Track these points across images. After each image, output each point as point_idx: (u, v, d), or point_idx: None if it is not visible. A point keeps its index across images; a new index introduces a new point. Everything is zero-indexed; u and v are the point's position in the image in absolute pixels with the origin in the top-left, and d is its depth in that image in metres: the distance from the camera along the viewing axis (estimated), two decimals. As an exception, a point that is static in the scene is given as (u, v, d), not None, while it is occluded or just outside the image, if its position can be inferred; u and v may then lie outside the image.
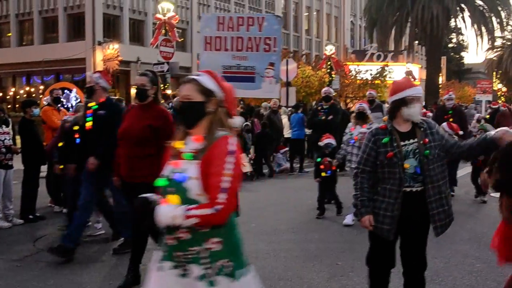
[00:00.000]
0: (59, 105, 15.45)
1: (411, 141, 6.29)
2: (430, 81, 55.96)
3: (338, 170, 14.03)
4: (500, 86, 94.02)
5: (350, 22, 68.20)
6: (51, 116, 14.48)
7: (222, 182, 4.06)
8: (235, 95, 4.61)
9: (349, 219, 12.45)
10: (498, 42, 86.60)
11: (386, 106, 28.53)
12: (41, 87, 41.19)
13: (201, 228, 4.11)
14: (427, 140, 6.25)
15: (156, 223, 4.05)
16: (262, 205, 15.53)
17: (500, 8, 56.11)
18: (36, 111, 13.14)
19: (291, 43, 55.68)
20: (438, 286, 8.63)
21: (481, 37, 57.12)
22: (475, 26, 56.35)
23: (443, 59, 74.41)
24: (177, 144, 4.39)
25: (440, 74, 64.36)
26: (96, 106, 9.60)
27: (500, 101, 46.59)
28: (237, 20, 7.10)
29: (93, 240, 11.23)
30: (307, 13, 59.21)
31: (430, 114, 19.05)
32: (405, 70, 57.41)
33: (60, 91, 16.27)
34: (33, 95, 42.75)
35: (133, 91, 40.05)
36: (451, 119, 16.15)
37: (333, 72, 40.59)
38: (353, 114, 13.41)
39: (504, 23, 57.80)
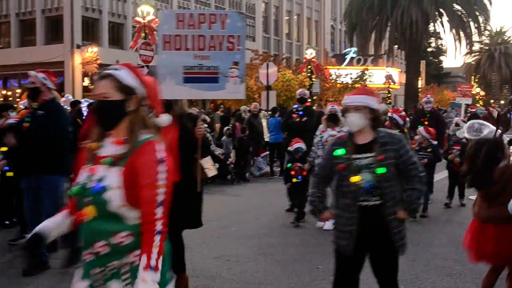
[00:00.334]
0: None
1: (368, 154, 5.99)
2: (409, 85, 56.19)
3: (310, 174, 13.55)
4: (478, 90, 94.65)
5: (330, 26, 68.30)
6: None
7: (157, 195, 3.70)
8: (159, 91, 4.15)
9: (328, 224, 12.19)
10: (476, 46, 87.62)
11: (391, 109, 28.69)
12: (18, 90, 40.71)
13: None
14: (383, 156, 5.93)
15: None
16: (243, 209, 15.47)
17: (477, 13, 56.48)
18: (13, 115, 12.93)
19: (272, 46, 55.67)
20: (417, 289, 8.62)
21: (459, 41, 57.50)
22: (454, 30, 56.67)
23: (422, 63, 74.75)
24: (94, 146, 3.92)
25: (420, 78, 64.57)
26: (36, 107, 9.27)
27: (478, 105, 46.80)
28: (198, 17, 6.84)
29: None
30: (287, 17, 59.23)
31: (408, 118, 18.87)
32: (385, 74, 57.57)
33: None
34: (10, 98, 42.29)
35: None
36: (426, 122, 16.09)
37: (313, 76, 40.54)
38: (324, 117, 13.22)
39: (482, 28, 58.18)
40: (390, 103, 55.77)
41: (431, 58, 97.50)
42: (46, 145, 8.92)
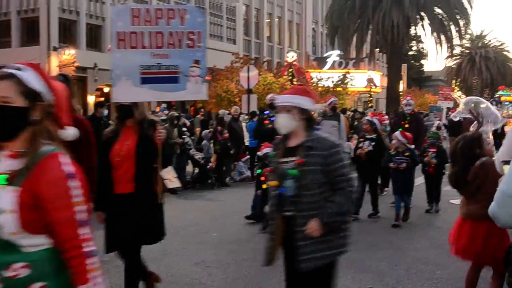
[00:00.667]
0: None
1: (293, 158, 5.59)
2: (391, 88, 56.12)
3: None
4: (459, 93, 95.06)
5: (312, 29, 68.14)
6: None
7: (75, 214, 3.13)
8: (65, 99, 3.48)
9: None
10: (457, 50, 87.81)
11: (348, 113, 28.50)
12: (-7, 93, 40.15)
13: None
14: (302, 160, 5.49)
15: None
16: (223, 214, 15.22)
17: (458, 17, 56.54)
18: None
19: (253, 49, 55.37)
20: (399, 293, 8.74)
21: (440, 45, 57.54)
22: (435, 34, 56.70)
23: (404, 67, 74.84)
24: None
25: (401, 82, 64.60)
26: None
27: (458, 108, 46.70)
28: (155, 12, 6.43)
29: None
30: (268, 20, 58.97)
31: (387, 121, 18.60)
32: (366, 77, 57.60)
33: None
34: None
35: (90, 98, 39.52)
36: (407, 125, 15.90)
37: (294, 79, 40.42)
38: None
39: (463, 31, 58.16)
40: (371, 106, 55.76)
41: (412, 61, 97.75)
42: None
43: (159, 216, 7.50)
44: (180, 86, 7.51)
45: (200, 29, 7.64)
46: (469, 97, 10.55)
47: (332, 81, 45.90)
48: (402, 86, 69.04)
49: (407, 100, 17.47)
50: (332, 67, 58.83)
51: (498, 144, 13.65)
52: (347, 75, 47.82)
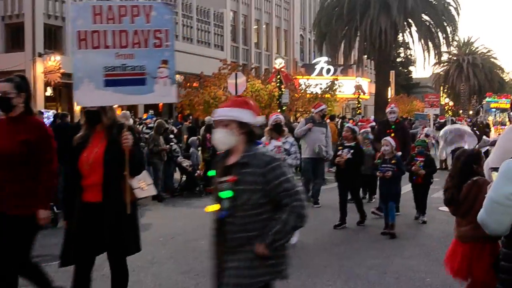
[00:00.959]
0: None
1: (228, 177, 5.19)
2: (379, 95, 56.12)
3: None
4: (447, 100, 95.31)
5: (300, 35, 68.04)
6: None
7: None
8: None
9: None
10: (445, 57, 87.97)
11: (337, 120, 28.36)
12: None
13: None
14: (235, 178, 5.09)
15: None
16: (211, 222, 15.05)
17: (446, 24, 56.68)
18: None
19: (240, 56, 55.19)
20: (388, 301, 8.79)
21: (428, 51, 57.63)
22: (422, 41, 56.77)
23: (392, 73, 74.98)
24: None
25: (389, 88, 64.61)
26: None
27: (447, 115, 46.81)
28: (119, 9, 6.03)
29: None
30: (256, 26, 58.79)
31: (368, 129, 18.36)
32: (354, 84, 57.59)
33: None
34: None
35: (77, 107, 39.13)
36: (392, 134, 15.64)
37: (282, 86, 40.08)
38: (268, 127, 12.33)
39: (450, 38, 58.25)
40: (360, 113, 55.70)
41: (400, 68, 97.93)
42: None
43: (129, 228, 7.00)
44: (147, 88, 7.07)
45: (168, 26, 7.21)
46: (444, 130, 10.26)
47: (320, 88, 45.73)
48: (390, 92, 69.12)
49: (391, 108, 16.90)
50: (320, 73, 58.79)
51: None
52: (335, 82, 47.68)
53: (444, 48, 60.94)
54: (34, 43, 39.21)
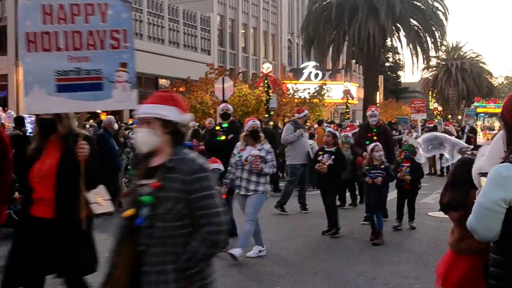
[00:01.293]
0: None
1: (150, 181, 4.61)
2: (367, 100, 55.94)
3: (232, 196, 12.09)
4: (436, 105, 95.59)
5: (288, 40, 67.90)
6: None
7: None
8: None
9: (237, 250, 11.09)
10: (433, 61, 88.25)
11: (325, 125, 28.13)
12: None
13: None
14: (158, 184, 4.52)
15: None
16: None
17: (434, 28, 56.79)
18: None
19: (228, 60, 54.92)
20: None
21: (417, 56, 57.74)
22: (411, 45, 56.80)
23: (380, 78, 75.06)
24: None
25: (378, 93, 64.63)
26: None
27: (436, 120, 46.74)
28: (71, 8, 5.58)
29: None
30: (243, 30, 58.56)
31: (349, 133, 18.10)
32: (343, 89, 57.55)
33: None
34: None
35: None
36: (375, 138, 15.30)
37: (270, 91, 39.94)
38: (244, 133, 11.70)
39: (438, 43, 58.37)
40: (348, 118, 55.63)
41: (389, 73, 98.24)
42: None
43: (84, 246, 6.48)
44: (104, 94, 6.50)
45: (126, 26, 6.66)
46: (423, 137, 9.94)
47: (309, 93, 45.69)
48: (379, 97, 69.13)
49: (372, 111, 16.32)
50: (308, 78, 58.73)
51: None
52: (324, 87, 47.64)
53: (432, 52, 61.20)
54: (17, 47, 38.65)
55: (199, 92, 37.22)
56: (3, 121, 20.11)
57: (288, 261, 11.42)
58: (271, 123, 29.72)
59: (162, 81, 44.54)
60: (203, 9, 50.01)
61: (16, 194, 11.69)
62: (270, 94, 39.63)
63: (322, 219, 14.46)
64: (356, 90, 65.92)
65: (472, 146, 15.00)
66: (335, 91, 53.78)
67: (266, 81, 39.87)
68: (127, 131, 25.20)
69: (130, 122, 30.29)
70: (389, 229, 14.13)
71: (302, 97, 45.05)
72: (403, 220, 14.81)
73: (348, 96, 57.71)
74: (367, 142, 14.46)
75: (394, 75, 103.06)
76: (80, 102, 6.52)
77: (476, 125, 44.57)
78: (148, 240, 4.51)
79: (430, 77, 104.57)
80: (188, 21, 48.01)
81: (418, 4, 56.07)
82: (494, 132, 41.05)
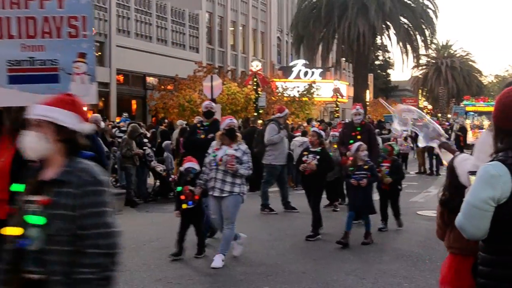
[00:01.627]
0: None
1: (39, 197, 3.99)
2: (357, 98, 55.74)
3: (206, 197, 11.67)
4: (426, 103, 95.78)
5: (277, 37, 67.73)
6: None
7: None
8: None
9: (218, 260, 10.87)
10: (423, 60, 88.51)
11: (314, 123, 28.02)
12: None
13: None
14: (48, 200, 3.93)
15: None
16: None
17: (424, 27, 56.80)
18: None
19: (216, 58, 54.64)
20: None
21: (407, 54, 57.73)
22: (400, 43, 56.79)
23: (370, 76, 75.13)
24: None
25: (368, 91, 64.64)
26: None
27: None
28: None
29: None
30: (232, 28, 58.29)
31: (336, 133, 17.89)
32: (332, 87, 57.45)
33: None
34: None
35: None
36: (359, 137, 15.12)
37: (259, 89, 39.83)
38: (220, 132, 11.25)
39: (428, 41, 58.40)
40: (338, 116, 55.55)
41: (379, 71, 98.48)
42: None
43: None
44: (60, 86, 6.02)
45: (85, 13, 6.20)
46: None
47: (298, 91, 45.57)
48: (368, 96, 69.12)
49: (357, 109, 16.12)
50: (298, 76, 58.66)
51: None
52: (313, 85, 47.53)
53: (422, 51, 61.26)
54: None
55: (187, 90, 37.07)
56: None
57: (277, 261, 11.35)
58: (260, 121, 29.50)
59: (150, 79, 44.29)
60: (191, 6, 49.78)
61: None
62: (259, 92, 39.51)
63: (310, 219, 14.24)
64: (346, 88, 65.83)
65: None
66: (324, 90, 53.62)
67: (255, 79, 39.74)
68: (114, 130, 25.06)
69: (118, 120, 30.12)
70: (377, 229, 14.10)
71: (292, 95, 44.97)
72: (391, 220, 14.69)
73: (338, 94, 57.56)
74: (351, 141, 14.31)
75: (384, 74, 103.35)
76: (34, 95, 5.93)
77: (466, 123, 44.47)
78: (48, 267, 3.90)
79: (420, 76, 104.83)
80: (176, 19, 47.74)
81: (408, 2, 56.03)
82: (483, 131, 41.02)
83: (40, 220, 3.88)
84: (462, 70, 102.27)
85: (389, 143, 15.40)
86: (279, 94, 44.75)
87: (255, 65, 40.93)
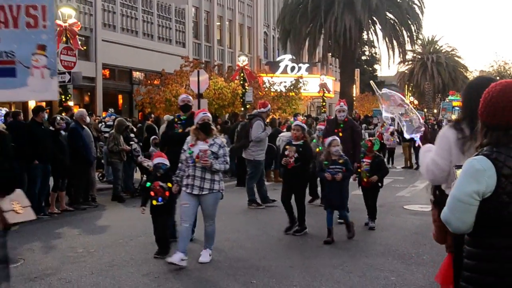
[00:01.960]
0: None
1: None
2: (344, 93, 55.97)
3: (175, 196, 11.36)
4: (412, 98, 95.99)
5: (264, 32, 67.65)
6: None
7: None
8: None
9: (205, 255, 10.86)
10: (409, 55, 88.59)
11: (296, 118, 28.06)
12: None
13: None
14: None
15: None
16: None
17: (410, 22, 56.97)
18: None
19: (203, 53, 54.47)
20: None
21: (393, 50, 57.90)
22: (387, 39, 56.85)
23: (357, 72, 75.18)
24: None
25: (354, 87, 64.69)
26: None
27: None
28: None
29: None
30: (219, 23, 58.09)
31: (322, 127, 17.76)
32: (319, 82, 57.45)
33: None
34: None
35: (31, 103, 38.19)
36: (340, 134, 15.03)
37: (246, 84, 39.89)
38: (194, 126, 10.79)
39: (414, 36, 58.50)
40: (324, 111, 55.59)
41: (365, 66, 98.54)
42: None
43: None
44: (17, 81, 5.70)
45: (45, 2, 5.95)
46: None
47: (285, 86, 45.57)
48: (355, 91, 69.18)
49: (340, 106, 15.96)
50: (285, 71, 58.69)
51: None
52: (300, 80, 47.50)
53: (408, 46, 61.28)
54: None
55: (174, 85, 36.95)
56: None
57: (264, 255, 11.31)
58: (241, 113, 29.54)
59: (136, 74, 44.11)
60: (177, 1, 49.61)
61: None
62: (246, 87, 39.56)
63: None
64: (332, 83, 65.87)
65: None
66: (311, 85, 53.63)
67: (242, 74, 39.80)
68: (100, 125, 24.95)
69: (104, 115, 29.97)
70: (363, 223, 14.10)
71: (278, 90, 44.96)
72: (379, 215, 14.55)
73: (325, 89, 57.65)
74: None
75: (371, 69, 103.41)
76: None
77: (452, 118, 44.67)
78: None
79: (406, 71, 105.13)
80: (163, 13, 47.54)
81: (394, -3, 56.16)
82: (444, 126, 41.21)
83: None
84: (447, 65, 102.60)
85: (370, 138, 15.17)
86: (266, 89, 44.77)
87: (242, 60, 40.97)
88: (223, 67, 54.26)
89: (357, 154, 14.71)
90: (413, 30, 57.52)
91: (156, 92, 37.17)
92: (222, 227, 13.53)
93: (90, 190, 18.28)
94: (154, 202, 10.99)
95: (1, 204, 5.59)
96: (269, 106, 18.28)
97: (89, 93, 39.92)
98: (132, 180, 20.54)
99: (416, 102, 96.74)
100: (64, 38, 25.05)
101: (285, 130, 23.94)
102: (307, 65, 61.12)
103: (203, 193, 10.49)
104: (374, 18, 55.57)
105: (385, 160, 31.86)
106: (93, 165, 18.59)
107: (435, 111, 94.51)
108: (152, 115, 33.23)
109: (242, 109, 37.26)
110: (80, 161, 17.08)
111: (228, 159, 10.84)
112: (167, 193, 10.94)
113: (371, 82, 10.72)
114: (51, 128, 16.83)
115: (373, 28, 57.04)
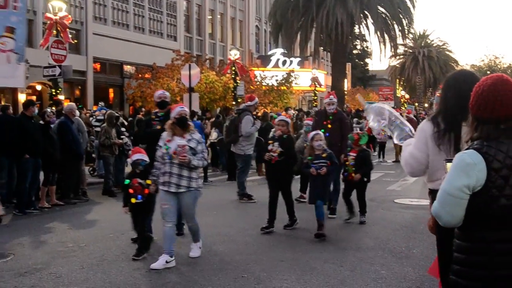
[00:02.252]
0: None
1: None
2: (335, 87, 55.80)
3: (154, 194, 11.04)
4: (403, 93, 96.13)
5: (255, 26, 67.56)
6: None
7: None
8: None
9: (195, 250, 10.83)
10: (401, 49, 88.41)
11: (292, 113, 28.02)
12: None
13: None
14: None
15: None
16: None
17: (401, 16, 56.74)
18: None
19: (194, 47, 54.39)
20: (344, 293, 8.77)
21: (384, 44, 57.62)
22: (378, 33, 56.74)
23: (348, 66, 75.13)
24: None
25: (346, 80, 64.68)
26: None
27: (403, 108, 46.88)
28: None
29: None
30: (210, 16, 58.01)
31: (310, 122, 17.63)
32: (311, 76, 57.44)
33: None
34: None
35: (21, 97, 38.02)
36: (329, 126, 15.00)
37: (237, 78, 39.84)
38: (170, 121, 10.49)
39: (406, 30, 58.37)
40: (316, 105, 55.58)
41: (356, 60, 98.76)
42: None
43: None
44: None
45: None
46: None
47: (276, 80, 45.54)
48: (346, 85, 69.18)
49: (330, 99, 15.62)
50: (276, 65, 58.72)
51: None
52: (292, 74, 47.48)
53: (400, 40, 61.16)
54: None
55: (165, 79, 36.94)
56: None
57: (254, 249, 11.33)
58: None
59: (127, 68, 44.00)
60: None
61: None
62: (238, 81, 39.51)
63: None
64: (324, 77, 65.93)
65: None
66: (303, 79, 53.67)
67: (233, 68, 39.73)
68: (91, 118, 24.90)
69: (95, 109, 29.90)
70: (354, 216, 14.10)
71: (270, 84, 44.93)
72: (368, 209, 14.45)
73: (316, 83, 57.65)
74: (322, 130, 13.97)
75: (362, 63, 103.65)
76: None
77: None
78: None
79: (397, 65, 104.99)
80: (154, 6, 47.43)
81: (386, -9, 56.07)
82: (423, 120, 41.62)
83: None
84: (438, 59, 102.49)
85: (358, 132, 15.09)
86: (258, 83, 44.74)
87: (234, 54, 40.89)
88: (215, 61, 54.22)
89: (344, 147, 14.67)
90: (405, 24, 57.36)
91: (147, 86, 37.13)
92: (213, 221, 13.57)
93: (81, 184, 18.26)
94: (133, 200, 10.66)
95: None
96: (257, 99, 18.30)
97: (79, 87, 39.83)
98: (123, 175, 20.37)
99: (407, 96, 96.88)
100: (54, 31, 24.92)
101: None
102: (298, 59, 61.16)
103: (180, 190, 10.21)
104: (366, 12, 55.43)
105: (376, 154, 32.07)
106: (83, 159, 18.55)
107: (426, 105, 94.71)
108: (143, 109, 33.15)
109: (234, 103, 37.24)
110: (70, 155, 17.05)
111: (206, 155, 10.64)
112: (146, 191, 10.64)
113: (358, 95, 10.75)
114: (41, 121, 16.79)
115: (364, 22, 56.88)
